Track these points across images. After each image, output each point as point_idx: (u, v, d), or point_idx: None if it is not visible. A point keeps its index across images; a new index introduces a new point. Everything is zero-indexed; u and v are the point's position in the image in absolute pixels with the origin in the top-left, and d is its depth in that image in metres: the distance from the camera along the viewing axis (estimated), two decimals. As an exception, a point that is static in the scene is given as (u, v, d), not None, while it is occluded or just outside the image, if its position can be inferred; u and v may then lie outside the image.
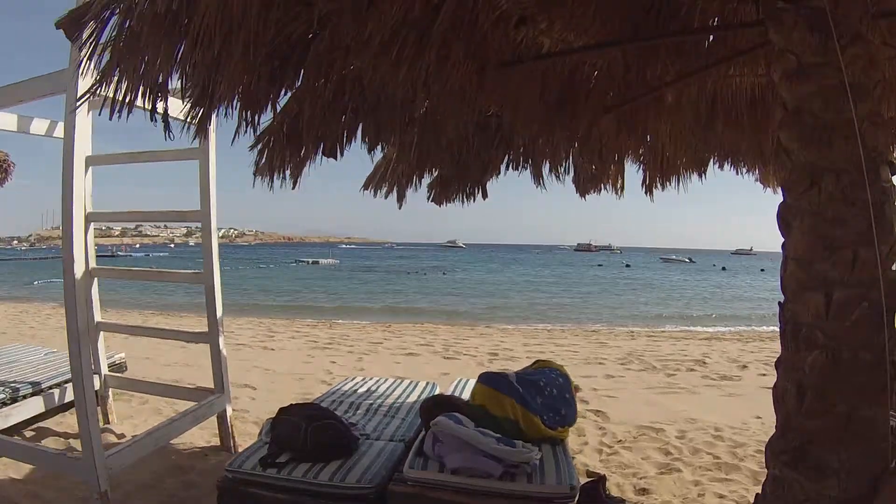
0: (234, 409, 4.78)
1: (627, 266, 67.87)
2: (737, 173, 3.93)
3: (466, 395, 3.93)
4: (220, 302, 3.86)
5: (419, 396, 3.91)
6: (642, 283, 40.75)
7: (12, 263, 41.31)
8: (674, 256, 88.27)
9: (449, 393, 3.97)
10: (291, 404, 3.06)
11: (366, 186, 3.79)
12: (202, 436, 4.15)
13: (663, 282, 43.24)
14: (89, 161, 3.83)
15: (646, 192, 3.98)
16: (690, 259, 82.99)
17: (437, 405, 2.93)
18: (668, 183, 3.96)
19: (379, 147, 3.06)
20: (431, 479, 2.46)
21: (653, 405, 5.54)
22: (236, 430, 4.13)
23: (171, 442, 4.07)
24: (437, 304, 24.15)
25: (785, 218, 1.90)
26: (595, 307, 24.02)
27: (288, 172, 2.92)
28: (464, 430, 2.49)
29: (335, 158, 2.84)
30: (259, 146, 2.81)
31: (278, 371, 6.79)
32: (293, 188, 2.96)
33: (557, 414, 2.97)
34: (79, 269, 2.87)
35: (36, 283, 28.94)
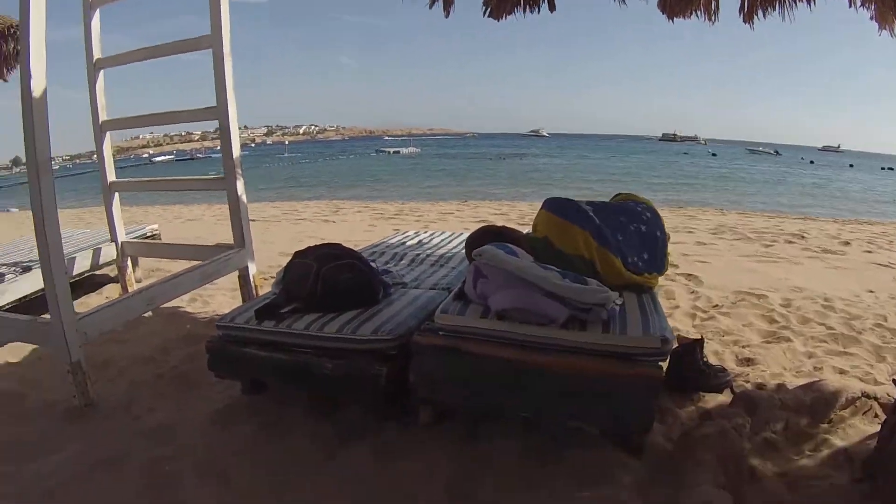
0: (273, 276, 4.33)
1: (713, 155, 64.35)
2: (850, 4, 2.99)
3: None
4: (237, 142, 3.28)
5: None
6: (728, 172, 37.86)
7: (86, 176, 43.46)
8: (760, 149, 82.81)
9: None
10: (311, 246, 2.43)
11: None
12: (230, 303, 3.70)
13: (751, 171, 40.05)
14: (99, 63, 3.50)
15: (744, 20, 3.14)
16: (777, 152, 77.83)
17: (486, 234, 2.27)
18: (770, 8, 3.07)
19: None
20: (469, 327, 1.82)
21: (751, 272, 4.69)
22: (265, 292, 3.63)
23: (188, 310, 3.70)
24: (515, 183, 23.03)
25: None
26: (680, 188, 22.29)
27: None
28: (516, 261, 1.81)
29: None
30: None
31: (335, 239, 6.23)
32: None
33: (643, 257, 2.24)
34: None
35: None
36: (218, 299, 3.96)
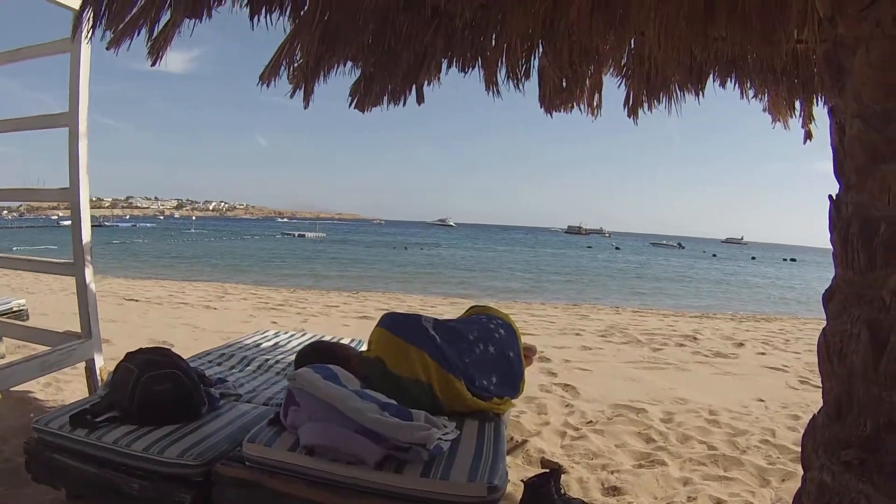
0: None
1: (617, 249, 67.55)
2: (742, 95, 2.98)
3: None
4: (87, 226, 3.04)
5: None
6: (632, 266, 39.28)
7: (-1, 231, 41.81)
8: (664, 242, 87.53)
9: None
10: (143, 347, 2.24)
11: (262, 80, 2.85)
12: (85, 393, 3.36)
13: (653, 265, 41.71)
14: None
15: (629, 114, 3.10)
16: (680, 245, 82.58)
17: (315, 352, 2.11)
18: (655, 102, 3.05)
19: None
20: (275, 460, 1.63)
21: (634, 381, 4.68)
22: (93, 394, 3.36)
23: (39, 396, 3.46)
24: (411, 275, 22.91)
25: (834, 60, 1.13)
26: (580, 285, 22.68)
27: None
28: (331, 389, 1.64)
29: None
30: None
31: (207, 329, 5.97)
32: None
33: (492, 380, 2.13)
34: None
35: (14, 248, 27.89)
36: (72, 386, 3.66)
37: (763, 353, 6.21)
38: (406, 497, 1.54)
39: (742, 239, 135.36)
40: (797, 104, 2.94)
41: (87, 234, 3.03)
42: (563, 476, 2.79)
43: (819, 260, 69.86)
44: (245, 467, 1.64)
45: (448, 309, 9.19)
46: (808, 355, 6.16)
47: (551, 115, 3.21)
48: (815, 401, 4.14)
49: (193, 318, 6.75)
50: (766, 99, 3.02)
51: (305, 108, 2.77)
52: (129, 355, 2.17)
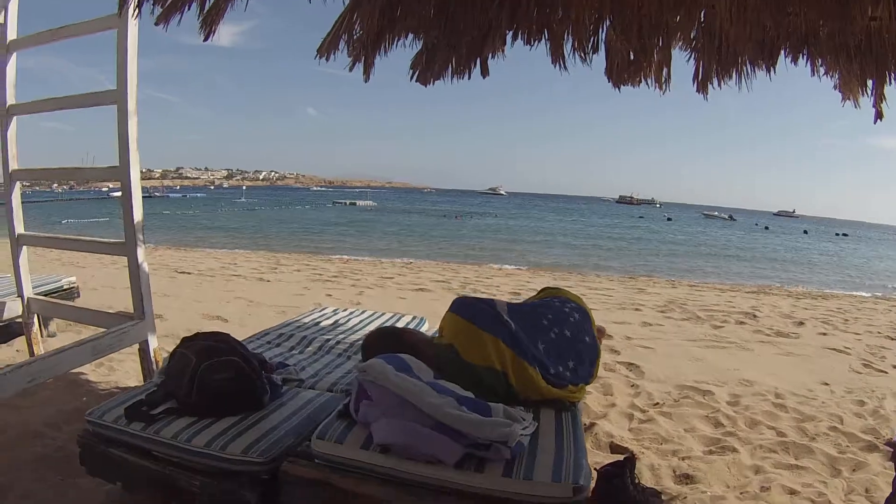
0: (181, 336, 4.05)
1: (669, 219, 65.61)
2: (813, 73, 2.75)
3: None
4: (139, 205, 2.98)
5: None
6: (685, 237, 38.39)
7: (48, 205, 42.72)
8: (716, 213, 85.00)
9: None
10: (201, 332, 2.16)
11: (320, 53, 2.74)
12: (137, 373, 3.36)
13: (706, 237, 40.71)
14: (12, 110, 3.22)
15: (698, 89, 2.92)
16: (731, 217, 79.88)
17: (382, 338, 2.00)
18: (726, 77, 2.84)
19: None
20: (346, 458, 1.52)
21: (698, 361, 4.50)
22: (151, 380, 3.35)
23: (90, 378, 3.44)
24: (464, 246, 22.73)
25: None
26: (632, 257, 22.21)
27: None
28: (405, 382, 1.53)
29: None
30: None
31: (263, 303, 5.94)
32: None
33: (568, 366, 1.99)
34: None
35: (63, 222, 28.54)
36: (126, 366, 3.66)
37: (824, 334, 5.94)
38: (487, 498, 1.43)
39: (794, 212, 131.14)
40: (870, 83, 2.70)
41: (138, 213, 2.96)
42: (636, 464, 2.67)
43: (870, 235, 67.44)
44: (314, 465, 1.55)
45: (504, 281, 9.07)
46: (869, 337, 5.91)
47: (619, 88, 3.04)
48: (879, 386, 4.02)
49: (247, 291, 6.72)
50: (837, 77, 2.80)
51: (366, 81, 2.64)
52: (185, 340, 2.09)
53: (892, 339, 5.88)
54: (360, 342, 2.77)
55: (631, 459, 2.23)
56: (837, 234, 59.31)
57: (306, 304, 5.92)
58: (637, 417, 3.18)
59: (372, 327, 3.08)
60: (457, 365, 1.82)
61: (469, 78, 2.89)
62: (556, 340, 1.97)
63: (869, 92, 2.73)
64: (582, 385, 2.02)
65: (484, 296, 7.26)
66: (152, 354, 3.10)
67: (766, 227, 60.92)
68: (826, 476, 2.63)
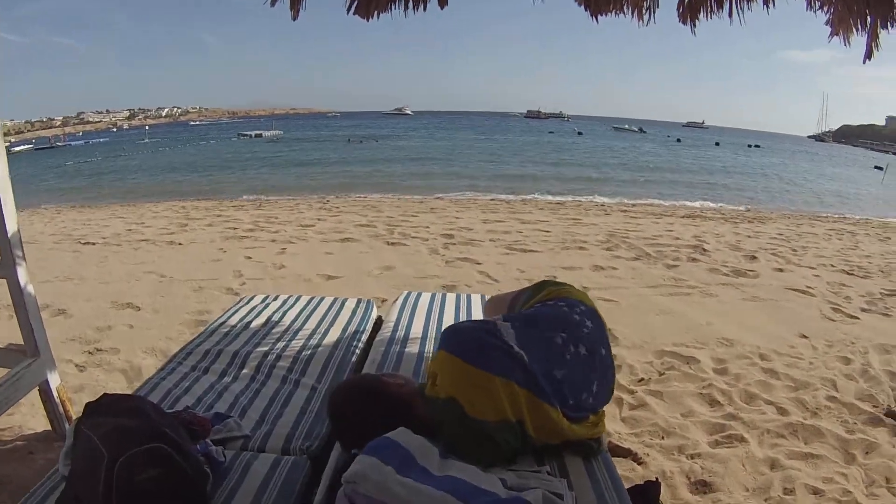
0: (99, 348, 3.47)
1: (579, 133, 64.26)
2: (808, 6, 2.68)
3: (420, 321, 2.44)
4: (11, 214, 2.14)
5: (346, 328, 2.41)
6: (597, 151, 38.24)
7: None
8: (626, 126, 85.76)
9: (393, 318, 2.47)
10: (106, 395, 1.44)
11: None
12: (32, 424, 2.57)
13: (619, 150, 40.34)
14: None
15: (681, 20, 2.68)
16: (641, 129, 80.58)
17: (357, 401, 1.37)
18: (719, 9, 2.62)
19: None
20: None
21: (666, 314, 4.21)
22: (89, 392, 2.80)
23: None
24: (376, 174, 21.61)
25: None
26: (553, 175, 21.89)
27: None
28: (419, 497, 0.96)
29: None
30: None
31: (175, 277, 5.01)
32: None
33: (591, 391, 1.46)
34: None
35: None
36: (16, 419, 2.62)
37: (781, 270, 5.84)
38: None
39: (703, 123, 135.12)
40: (869, 20, 2.53)
41: (12, 224, 2.13)
42: (641, 465, 2.30)
43: (781, 147, 69.49)
44: None
45: (431, 220, 8.40)
46: (826, 272, 5.90)
47: (596, 18, 2.71)
48: (857, 336, 3.87)
49: (157, 261, 5.76)
50: (831, 11, 2.67)
51: (294, 19, 2.18)
52: (89, 411, 1.38)
53: (848, 273, 5.87)
54: (308, 349, 2.17)
55: (656, 485, 1.82)
56: (749, 146, 59.93)
57: (224, 274, 5.13)
58: (627, 402, 2.81)
59: (312, 319, 2.47)
60: (462, 425, 1.27)
61: (425, 10, 2.41)
62: (572, 362, 1.44)
63: (866, 29, 2.54)
64: (601, 411, 1.52)
65: (415, 240, 6.80)
66: (56, 395, 2.37)
67: (678, 140, 60.54)
68: (841, 463, 2.41)
